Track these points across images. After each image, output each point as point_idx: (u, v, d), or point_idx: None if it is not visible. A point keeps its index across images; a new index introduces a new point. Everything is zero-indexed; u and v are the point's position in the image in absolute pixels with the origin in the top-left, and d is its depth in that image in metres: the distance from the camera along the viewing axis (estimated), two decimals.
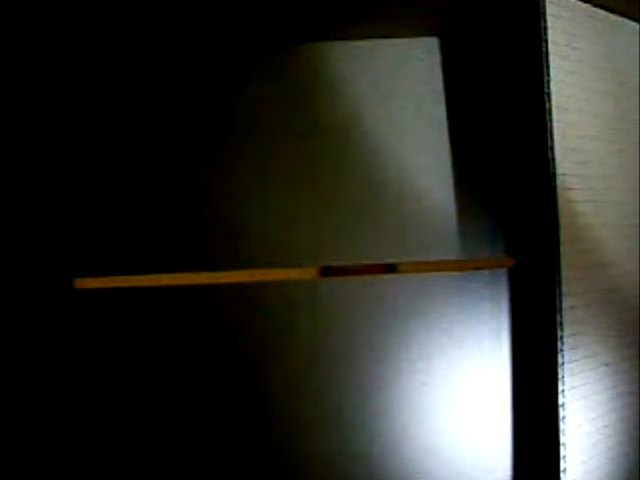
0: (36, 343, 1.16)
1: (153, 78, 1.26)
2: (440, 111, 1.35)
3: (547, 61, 1.33)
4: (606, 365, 1.41)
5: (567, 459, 1.30)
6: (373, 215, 1.30)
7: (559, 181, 1.33)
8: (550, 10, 1.35)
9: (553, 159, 1.33)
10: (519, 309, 1.35)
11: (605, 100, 1.48)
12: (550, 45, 1.34)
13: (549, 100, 1.33)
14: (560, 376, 1.29)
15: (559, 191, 1.33)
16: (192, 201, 1.25)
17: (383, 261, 1.29)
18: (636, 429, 1.48)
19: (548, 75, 1.33)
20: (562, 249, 1.32)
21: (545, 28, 1.34)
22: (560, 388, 1.29)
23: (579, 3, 1.43)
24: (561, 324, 1.30)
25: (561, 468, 1.29)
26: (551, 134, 1.33)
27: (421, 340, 1.31)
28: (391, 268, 1.28)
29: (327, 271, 1.25)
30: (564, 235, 1.33)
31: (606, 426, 1.40)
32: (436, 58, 1.35)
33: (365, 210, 1.30)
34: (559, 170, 1.34)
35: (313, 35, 1.31)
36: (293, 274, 1.24)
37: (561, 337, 1.30)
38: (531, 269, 1.35)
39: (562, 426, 1.30)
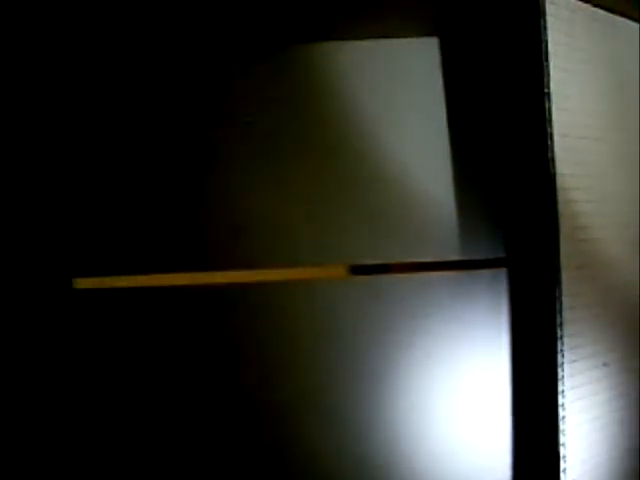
0: (35, 343, 1.16)
1: (152, 77, 1.26)
2: (440, 111, 1.35)
3: (547, 61, 1.33)
4: (606, 365, 1.41)
5: (567, 459, 1.30)
6: (372, 215, 1.30)
7: (559, 181, 1.33)
8: (550, 10, 1.35)
9: (553, 159, 1.33)
10: (519, 309, 1.35)
11: (605, 100, 1.48)
12: (550, 45, 1.34)
13: (549, 100, 1.33)
14: (560, 376, 1.29)
15: (559, 191, 1.33)
16: (193, 201, 1.25)
17: (383, 261, 1.30)
18: (636, 429, 1.48)
19: (548, 75, 1.33)
20: (562, 249, 1.32)
21: (545, 28, 1.34)
22: (560, 388, 1.29)
23: (579, 3, 1.43)
24: (561, 324, 1.30)
25: (561, 468, 1.29)
26: (551, 134, 1.33)
27: (420, 340, 1.31)
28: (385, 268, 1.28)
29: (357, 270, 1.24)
30: (564, 235, 1.33)
31: (606, 426, 1.40)
32: (436, 58, 1.36)
33: (364, 210, 1.30)
34: (559, 170, 1.34)
35: (312, 35, 1.31)
36: (318, 273, 1.24)
37: (561, 337, 1.30)
38: (531, 269, 1.35)
39: (562, 426, 1.30)
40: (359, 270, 1.29)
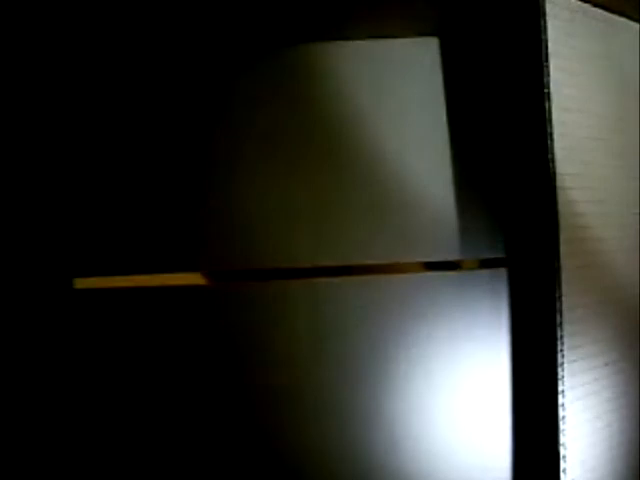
0: (35, 343, 1.16)
1: (152, 77, 1.26)
2: (440, 111, 1.35)
3: (547, 61, 1.33)
4: (606, 365, 1.41)
5: (567, 459, 1.30)
6: (372, 215, 1.30)
7: (559, 181, 1.33)
8: (550, 10, 1.35)
9: (553, 159, 1.33)
10: (519, 309, 1.35)
11: (605, 100, 1.48)
12: (550, 45, 1.34)
13: (549, 100, 1.33)
14: (560, 376, 1.29)
15: (559, 191, 1.33)
16: (192, 201, 1.25)
17: (383, 261, 1.30)
18: (636, 429, 1.48)
19: (548, 75, 1.33)
20: (562, 249, 1.32)
21: (545, 28, 1.34)
22: (560, 388, 1.29)
23: (579, 3, 1.43)
24: (561, 324, 1.30)
25: (561, 468, 1.29)
26: (551, 134, 1.33)
27: (420, 340, 1.31)
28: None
29: (216, 276, 1.23)
30: (564, 235, 1.33)
31: (606, 426, 1.40)
32: (436, 58, 1.36)
33: (364, 210, 1.30)
34: (559, 170, 1.34)
35: (312, 35, 1.31)
36: (178, 279, 1.22)
37: (561, 337, 1.30)
38: (531, 269, 1.35)
39: (562, 426, 1.30)
40: (359, 270, 1.29)
